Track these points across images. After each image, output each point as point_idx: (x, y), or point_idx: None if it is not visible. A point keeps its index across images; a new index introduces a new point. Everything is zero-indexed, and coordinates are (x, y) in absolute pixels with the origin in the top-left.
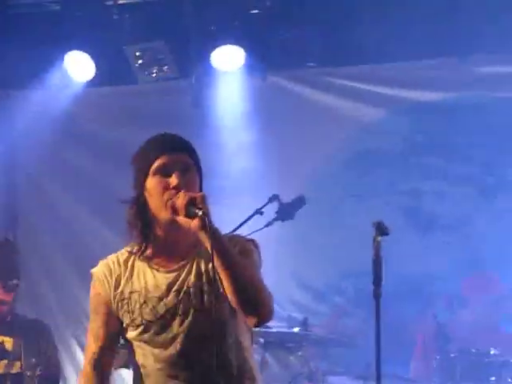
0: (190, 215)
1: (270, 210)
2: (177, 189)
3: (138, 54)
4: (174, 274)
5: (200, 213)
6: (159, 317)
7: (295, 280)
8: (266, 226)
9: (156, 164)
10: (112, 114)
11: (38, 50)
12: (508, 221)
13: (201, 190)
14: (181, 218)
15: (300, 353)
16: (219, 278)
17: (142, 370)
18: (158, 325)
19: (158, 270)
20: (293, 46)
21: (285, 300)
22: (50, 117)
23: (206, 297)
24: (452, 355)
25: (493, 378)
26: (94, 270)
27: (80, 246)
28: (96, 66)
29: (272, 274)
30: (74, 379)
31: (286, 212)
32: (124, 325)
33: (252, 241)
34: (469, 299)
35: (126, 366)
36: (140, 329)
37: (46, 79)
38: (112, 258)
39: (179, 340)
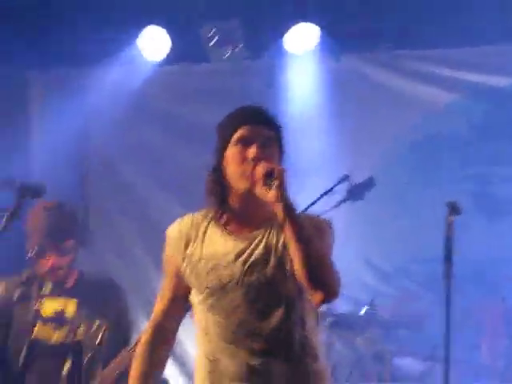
0: (268, 186)
1: (341, 191)
2: (255, 160)
3: (212, 32)
4: (244, 244)
5: (277, 183)
6: (223, 285)
7: (363, 261)
8: (336, 205)
9: (237, 134)
10: (185, 93)
11: (112, 27)
12: None
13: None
14: (258, 189)
15: (366, 334)
16: (288, 252)
17: (204, 335)
18: (223, 292)
19: (229, 238)
20: (369, 26)
21: (352, 281)
22: (123, 95)
23: (271, 270)
24: None
25: None
26: (168, 230)
27: (154, 225)
28: (171, 44)
29: (340, 254)
30: None
31: (356, 193)
32: (191, 288)
33: (326, 221)
34: None
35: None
36: (205, 294)
37: (120, 57)
38: (187, 219)
39: (241, 310)
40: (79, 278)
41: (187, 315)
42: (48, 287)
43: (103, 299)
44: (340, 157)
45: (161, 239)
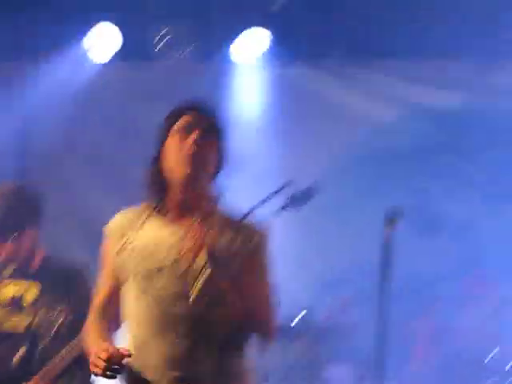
0: None
1: (283, 197)
2: (195, 145)
3: (163, 32)
4: (181, 232)
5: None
6: (156, 270)
7: (300, 268)
8: (278, 211)
9: (179, 123)
10: (131, 91)
11: (60, 23)
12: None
13: (219, 165)
14: None
15: (301, 341)
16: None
17: (132, 321)
18: (155, 278)
19: (167, 226)
20: (318, 36)
21: (288, 287)
22: (70, 90)
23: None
24: (451, 356)
25: (495, 379)
26: (108, 223)
27: (95, 222)
28: (122, 41)
29: (277, 260)
30: None
31: (298, 199)
32: (125, 275)
33: (260, 233)
34: (469, 302)
35: None
36: (138, 278)
37: (68, 52)
38: (127, 211)
39: (171, 296)
40: (45, 261)
41: None
42: (9, 271)
43: (67, 286)
44: (283, 163)
45: (100, 236)
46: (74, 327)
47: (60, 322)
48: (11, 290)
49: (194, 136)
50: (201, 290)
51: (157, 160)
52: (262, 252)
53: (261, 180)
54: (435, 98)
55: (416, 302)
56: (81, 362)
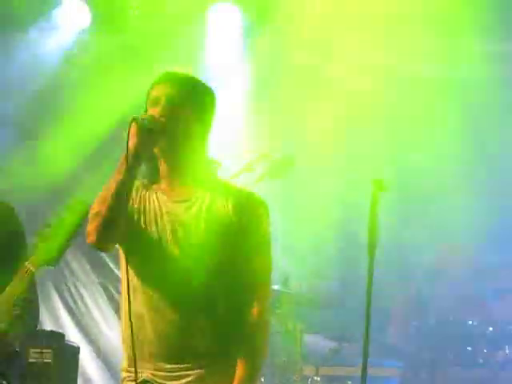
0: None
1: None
2: (158, 114)
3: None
4: (182, 205)
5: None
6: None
7: (277, 239)
8: (255, 182)
9: (150, 95)
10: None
11: None
12: (489, 196)
13: (205, 126)
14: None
15: (278, 311)
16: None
17: (132, 292)
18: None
19: (167, 201)
20: None
21: None
22: (43, 61)
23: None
24: (430, 323)
25: (469, 348)
26: None
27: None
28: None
29: None
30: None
31: (275, 170)
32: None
33: (263, 203)
34: (446, 270)
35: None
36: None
37: (42, 22)
38: None
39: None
40: None
41: None
42: None
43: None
44: (260, 133)
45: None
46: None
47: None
48: None
49: (158, 108)
50: (203, 261)
51: None
52: (266, 223)
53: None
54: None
55: (392, 270)
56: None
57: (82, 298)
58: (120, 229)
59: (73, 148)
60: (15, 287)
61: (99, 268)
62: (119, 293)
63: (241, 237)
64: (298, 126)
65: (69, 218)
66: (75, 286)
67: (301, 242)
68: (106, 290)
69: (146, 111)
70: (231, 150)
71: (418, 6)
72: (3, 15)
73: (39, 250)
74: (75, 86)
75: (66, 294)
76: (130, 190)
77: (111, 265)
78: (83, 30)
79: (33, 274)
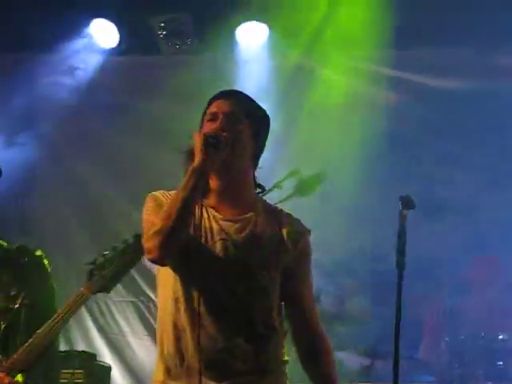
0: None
1: (289, 185)
2: (218, 129)
3: (162, 24)
4: (234, 225)
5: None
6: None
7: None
8: (284, 200)
9: (209, 110)
10: (133, 84)
11: (63, 15)
12: None
13: (259, 146)
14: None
15: None
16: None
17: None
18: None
19: (219, 218)
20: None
21: None
22: (71, 82)
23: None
24: (461, 338)
25: (500, 363)
26: (152, 193)
27: (94, 210)
28: (120, 35)
29: None
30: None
31: (303, 188)
32: None
33: (310, 232)
34: (477, 284)
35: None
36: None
37: (70, 44)
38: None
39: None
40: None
41: None
42: None
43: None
44: (289, 152)
45: (98, 220)
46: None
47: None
48: None
49: (218, 122)
50: (251, 284)
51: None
52: (310, 254)
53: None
54: (436, 83)
55: (422, 285)
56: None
57: (113, 316)
58: (181, 246)
59: None
60: (68, 309)
61: (130, 286)
62: (150, 311)
63: (295, 263)
64: (326, 146)
65: (129, 253)
66: (106, 305)
67: (327, 258)
68: (136, 308)
69: (201, 127)
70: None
71: None
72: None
73: (94, 277)
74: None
75: (97, 313)
76: (194, 207)
77: (142, 283)
78: (110, 51)
79: (87, 299)
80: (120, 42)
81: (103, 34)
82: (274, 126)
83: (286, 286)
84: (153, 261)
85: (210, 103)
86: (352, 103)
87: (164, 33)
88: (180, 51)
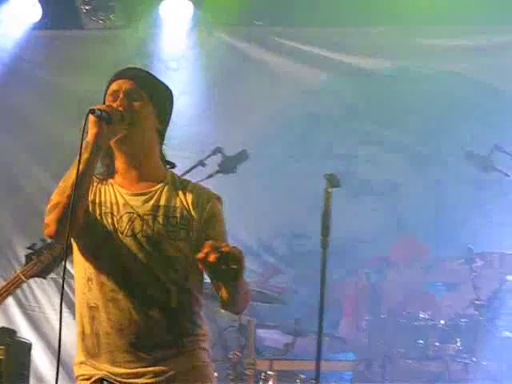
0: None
1: (213, 163)
2: (118, 106)
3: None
4: (140, 198)
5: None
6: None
7: (230, 237)
8: (208, 177)
9: (108, 90)
10: (56, 59)
11: None
12: (438, 191)
13: (162, 121)
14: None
15: None
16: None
17: (86, 282)
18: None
19: (124, 193)
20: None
21: None
22: None
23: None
24: (382, 316)
25: (421, 341)
26: None
27: (17, 188)
28: (43, 9)
29: None
30: None
31: (228, 166)
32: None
33: (220, 200)
34: (398, 263)
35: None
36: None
37: None
38: None
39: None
40: None
41: None
42: None
43: None
44: (212, 129)
45: (19, 195)
46: None
47: None
48: None
49: (117, 102)
50: (160, 254)
51: None
52: (222, 218)
53: (190, 147)
54: (360, 63)
55: (343, 264)
56: None
57: (33, 293)
58: (79, 220)
59: None
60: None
61: None
62: (72, 288)
63: (201, 232)
64: (250, 125)
65: None
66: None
67: (251, 237)
68: (56, 284)
69: (104, 104)
70: (183, 146)
71: None
72: None
73: (32, 261)
74: None
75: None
76: (90, 181)
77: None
78: (32, 25)
79: (22, 283)
80: (43, 16)
81: (25, 7)
82: (195, 101)
83: None
84: (50, 236)
85: (110, 82)
86: (276, 82)
87: (88, 7)
88: (104, 26)
